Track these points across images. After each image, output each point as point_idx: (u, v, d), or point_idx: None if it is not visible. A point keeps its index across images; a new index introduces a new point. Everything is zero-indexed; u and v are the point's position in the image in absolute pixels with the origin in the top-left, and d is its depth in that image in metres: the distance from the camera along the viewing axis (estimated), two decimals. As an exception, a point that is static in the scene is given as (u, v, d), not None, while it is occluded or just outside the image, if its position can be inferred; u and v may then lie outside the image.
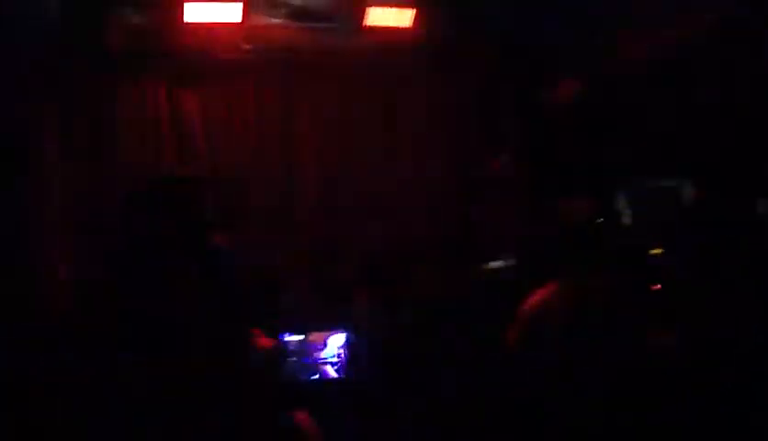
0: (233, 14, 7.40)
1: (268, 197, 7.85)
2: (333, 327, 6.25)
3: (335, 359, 6.21)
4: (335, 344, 6.21)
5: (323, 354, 6.19)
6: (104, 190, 7.10)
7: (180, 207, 4.35)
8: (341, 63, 8.11)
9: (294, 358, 6.09)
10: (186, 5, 7.17)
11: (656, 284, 5.62)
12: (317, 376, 6.19)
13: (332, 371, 6.20)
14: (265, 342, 5.31)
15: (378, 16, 7.81)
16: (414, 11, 7.86)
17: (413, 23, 7.88)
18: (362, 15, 7.79)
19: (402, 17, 7.86)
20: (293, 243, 7.75)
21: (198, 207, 4.41)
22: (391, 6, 7.84)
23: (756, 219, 5.27)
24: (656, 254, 5.96)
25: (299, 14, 7.80)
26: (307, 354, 6.16)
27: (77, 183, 7.06)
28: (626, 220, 7.13)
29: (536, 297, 4.56)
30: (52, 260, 6.68)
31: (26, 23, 6.42)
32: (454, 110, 8.49)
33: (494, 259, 7.18)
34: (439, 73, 8.41)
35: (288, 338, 6.07)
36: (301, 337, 6.18)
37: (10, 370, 4.87)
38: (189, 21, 7.26)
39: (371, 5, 7.79)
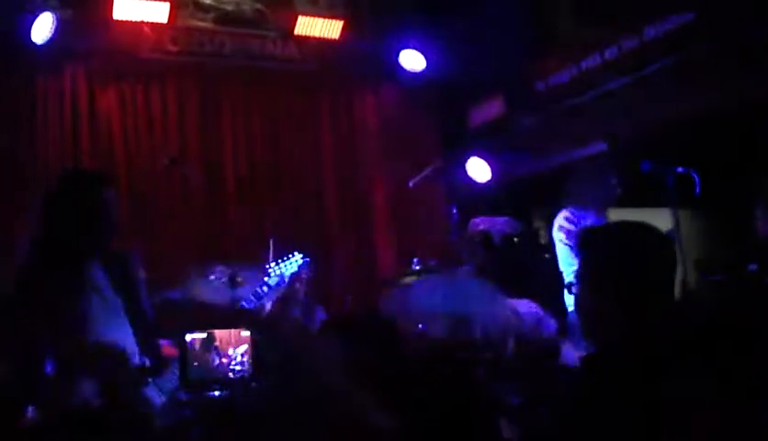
0: (160, 14, 7.35)
1: (185, 200, 7.72)
2: (238, 325, 6.02)
3: (241, 359, 6.01)
4: (242, 343, 6.02)
5: (229, 353, 5.99)
6: (18, 184, 6.95)
7: (85, 204, 4.22)
8: (268, 70, 8.12)
9: (196, 363, 5.84)
10: (116, 2, 7.09)
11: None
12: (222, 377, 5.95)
13: (235, 373, 5.99)
14: (171, 351, 5.17)
15: (307, 26, 7.85)
16: (342, 23, 7.93)
17: (342, 35, 7.93)
18: (292, 23, 7.82)
19: (331, 29, 7.92)
20: (211, 247, 7.59)
21: (105, 206, 4.28)
22: (321, 17, 7.89)
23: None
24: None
25: (228, 19, 7.80)
26: (212, 353, 5.94)
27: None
28: (543, 240, 7.23)
29: None
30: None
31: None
32: (379, 122, 8.57)
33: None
34: (366, 86, 8.49)
35: (191, 336, 5.81)
36: (205, 335, 5.94)
37: None
38: (117, 18, 7.15)
39: (301, 15, 7.83)
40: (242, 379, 5.83)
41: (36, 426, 3.75)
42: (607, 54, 6.99)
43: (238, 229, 7.79)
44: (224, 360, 5.87)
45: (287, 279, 6.02)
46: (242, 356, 5.94)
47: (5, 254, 6.03)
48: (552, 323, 4.36)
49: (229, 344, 5.92)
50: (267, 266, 5.94)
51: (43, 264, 4.08)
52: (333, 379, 2.67)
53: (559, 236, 6.02)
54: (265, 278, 5.93)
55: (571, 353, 4.25)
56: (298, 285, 6.21)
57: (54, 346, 3.98)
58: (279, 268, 5.96)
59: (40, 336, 3.98)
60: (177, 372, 4.59)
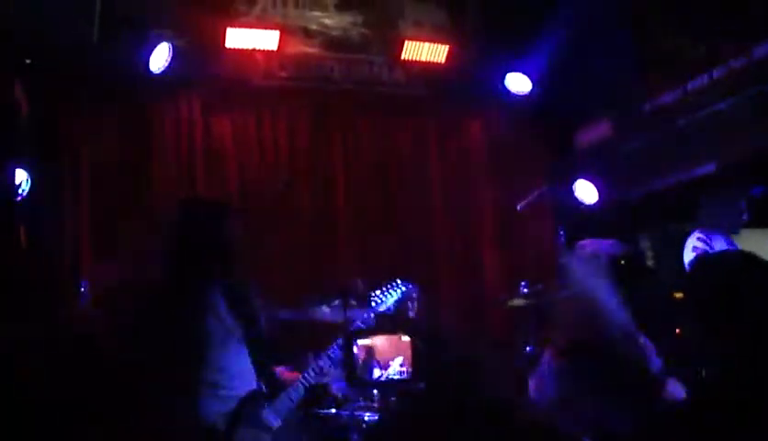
0: (270, 41, 7.54)
1: (296, 227, 7.81)
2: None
3: (400, 369, 6.07)
4: (400, 353, 6.07)
5: (389, 363, 6.06)
6: (134, 208, 7.20)
7: (212, 235, 4.36)
8: (375, 94, 8.24)
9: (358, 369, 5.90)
10: (229, 31, 7.30)
11: (677, 328, 5.62)
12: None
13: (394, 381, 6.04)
14: (288, 375, 5.22)
15: (413, 51, 7.92)
16: (448, 47, 7.98)
17: (447, 59, 7.99)
18: (398, 48, 7.91)
19: (437, 53, 7.98)
20: (321, 268, 7.69)
21: (231, 236, 4.42)
22: (426, 41, 7.96)
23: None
24: (680, 299, 5.94)
25: (334, 44, 7.94)
26: (373, 362, 6.04)
27: (107, 199, 7.19)
28: (651, 262, 7.15)
29: None
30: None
31: (66, 38, 6.53)
32: (486, 145, 8.61)
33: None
34: (473, 109, 8.55)
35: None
36: (368, 342, 6.02)
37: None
38: (230, 47, 7.36)
39: (407, 39, 7.91)
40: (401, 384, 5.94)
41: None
42: (715, 74, 6.92)
43: (347, 252, 7.89)
44: (383, 370, 5.99)
45: (391, 307, 6.07)
46: (401, 365, 6.03)
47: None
48: (658, 361, 4.28)
49: (389, 353, 6.03)
50: (372, 294, 5.99)
51: (171, 291, 4.23)
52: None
53: (690, 257, 5.94)
54: (372, 304, 5.99)
55: (677, 389, 4.18)
56: (407, 307, 6.25)
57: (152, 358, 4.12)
58: (383, 296, 6.01)
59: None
60: (293, 396, 4.73)
